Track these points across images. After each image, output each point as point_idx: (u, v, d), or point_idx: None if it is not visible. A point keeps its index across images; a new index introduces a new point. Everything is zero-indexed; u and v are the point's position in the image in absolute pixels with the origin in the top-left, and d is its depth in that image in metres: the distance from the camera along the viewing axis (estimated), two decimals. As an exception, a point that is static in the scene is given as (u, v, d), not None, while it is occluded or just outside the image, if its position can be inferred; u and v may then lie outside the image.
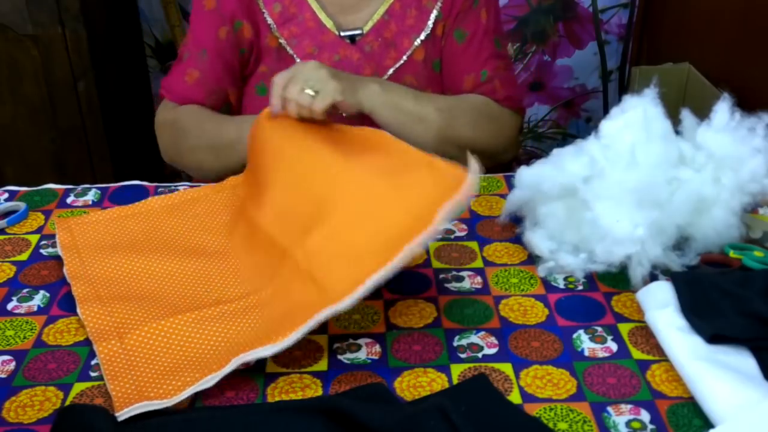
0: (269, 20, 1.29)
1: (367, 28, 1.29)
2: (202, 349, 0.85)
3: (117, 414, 0.77)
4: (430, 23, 1.30)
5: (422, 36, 1.30)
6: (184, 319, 0.88)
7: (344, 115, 1.17)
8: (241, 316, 0.90)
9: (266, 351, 0.82)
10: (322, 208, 0.93)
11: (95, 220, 1.08)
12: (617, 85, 2.49)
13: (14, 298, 0.97)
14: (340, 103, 1.10)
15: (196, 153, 1.28)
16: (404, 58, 1.30)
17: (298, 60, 1.29)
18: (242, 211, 1.09)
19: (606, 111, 2.52)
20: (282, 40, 1.29)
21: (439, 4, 1.30)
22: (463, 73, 1.32)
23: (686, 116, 1.04)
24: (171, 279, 0.98)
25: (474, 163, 0.86)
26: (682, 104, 1.87)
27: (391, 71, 1.30)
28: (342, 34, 1.29)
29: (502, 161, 1.30)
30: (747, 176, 0.97)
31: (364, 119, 1.19)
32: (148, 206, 1.12)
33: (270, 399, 0.81)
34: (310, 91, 1.07)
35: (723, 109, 1.02)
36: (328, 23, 1.29)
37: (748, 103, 1.04)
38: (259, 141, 1.10)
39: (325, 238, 0.91)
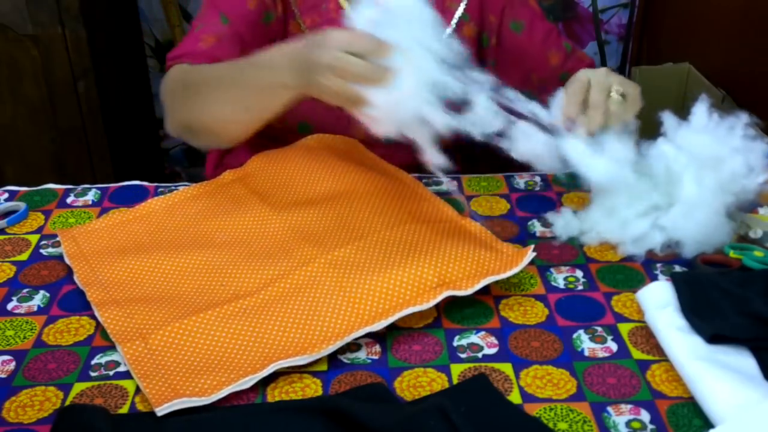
0: (293, 7, 1.27)
1: None
2: (230, 347, 0.86)
3: (156, 409, 0.77)
4: (453, 23, 1.29)
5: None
6: (206, 317, 0.89)
7: None
8: (262, 310, 0.90)
9: (301, 360, 0.84)
10: (366, 232, 0.98)
11: (98, 227, 1.08)
12: (617, 85, 2.49)
13: (14, 298, 0.97)
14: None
15: (219, 102, 1.09)
16: None
17: None
18: (253, 203, 1.10)
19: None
20: (305, 29, 1.27)
21: (463, 5, 1.30)
22: (545, 52, 1.31)
23: (667, 118, 1.05)
24: (182, 275, 0.98)
25: (531, 251, 0.95)
26: (682, 104, 1.87)
27: None
28: None
29: None
30: (727, 176, 0.98)
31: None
32: (149, 208, 1.12)
33: (270, 399, 0.81)
34: (618, 96, 1.01)
35: (701, 110, 1.02)
36: None
37: (748, 103, 1.04)
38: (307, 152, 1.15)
39: (365, 261, 0.94)
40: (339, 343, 0.85)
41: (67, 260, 1.02)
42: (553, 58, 1.31)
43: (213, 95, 1.09)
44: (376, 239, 0.96)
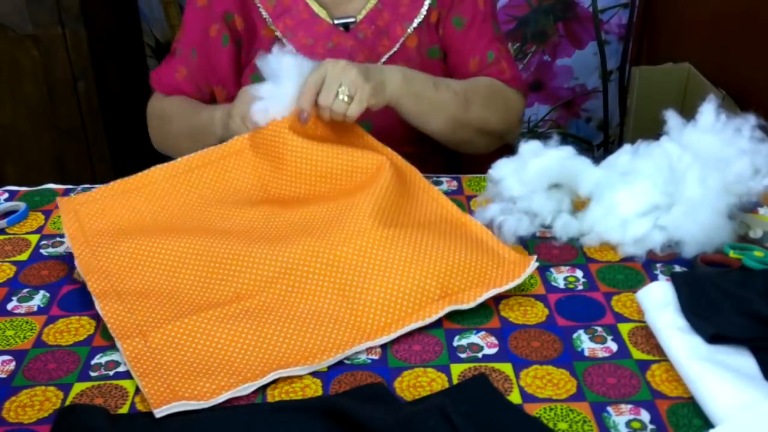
0: (264, 14, 1.31)
1: (360, 17, 1.31)
2: (230, 350, 0.86)
3: (155, 411, 0.77)
4: (424, 11, 1.31)
5: (414, 23, 1.31)
6: (207, 316, 0.89)
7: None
8: (264, 314, 0.90)
9: (302, 371, 0.84)
10: (370, 239, 0.96)
11: (100, 197, 1.07)
12: (617, 85, 2.49)
13: (14, 298, 0.97)
14: (373, 105, 1.12)
15: (178, 140, 1.32)
16: (397, 46, 1.31)
17: (294, 52, 1.30)
18: (255, 189, 1.10)
19: (606, 111, 2.52)
20: (278, 33, 1.31)
21: None
22: (468, 57, 1.34)
23: (671, 116, 1.04)
24: (183, 264, 0.97)
25: (534, 260, 0.94)
26: (682, 104, 1.87)
27: (384, 58, 1.31)
28: (336, 21, 1.31)
29: (509, 141, 1.32)
30: (733, 178, 0.97)
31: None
32: (152, 176, 1.11)
33: (270, 399, 0.81)
34: (344, 98, 1.08)
35: (708, 110, 1.02)
36: (322, 13, 1.30)
37: (748, 103, 1.04)
38: (288, 140, 1.11)
39: (367, 265, 0.93)
40: (340, 356, 0.85)
41: (66, 242, 1.01)
42: (473, 64, 1.34)
43: (174, 131, 1.33)
44: (378, 237, 0.95)
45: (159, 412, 0.77)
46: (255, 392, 0.82)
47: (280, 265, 0.95)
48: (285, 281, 0.93)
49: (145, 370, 0.83)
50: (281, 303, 0.92)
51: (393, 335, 0.87)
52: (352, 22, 1.31)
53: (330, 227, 0.99)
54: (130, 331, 0.88)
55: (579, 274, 0.99)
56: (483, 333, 0.89)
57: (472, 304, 0.90)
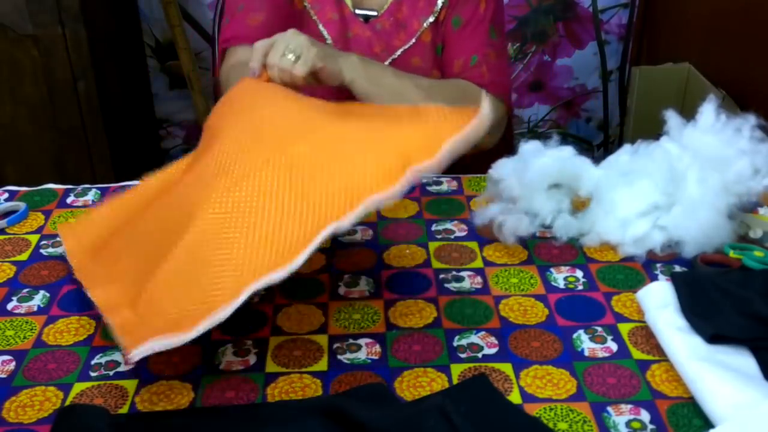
0: None
1: (381, 11, 1.33)
2: (206, 281, 0.80)
3: (129, 355, 0.75)
4: (438, 7, 1.33)
5: (431, 18, 1.33)
6: (177, 251, 0.84)
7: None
8: (228, 230, 0.83)
9: (277, 276, 0.78)
10: (317, 134, 0.90)
11: (99, 217, 1.05)
12: (617, 85, 2.49)
13: (14, 298, 0.97)
14: (321, 70, 1.12)
15: None
16: (413, 39, 1.33)
17: (320, 26, 1.32)
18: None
19: (606, 111, 2.52)
20: (306, 3, 1.33)
21: None
22: (454, 57, 1.34)
23: (671, 116, 1.05)
24: (152, 206, 0.96)
25: (486, 103, 0.85)
26: (682, 104, 1.87)
27: (399, 52, 1.33)
28: (357, 12, 1.32)
29: (483, 147, 1.30)
30: (733, 177, 0.98)
31: (342, 94, 1.20)
32: (147, 185, 1.09)
33: (270, 399, 0.81)
34: (291, 56, 1.09)
35: (708, 110, 1.02)
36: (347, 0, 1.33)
37: (748, 103, 1.04)
38: (238, 100, 1.06)
39: (322, 152, 0.87)
40: (310, 247, 0.79)
41: (69, 260, 1.01)
42: (456, 65, 1.34)
43: None
44: (332, 130, 0.90)
45: (133, 357, 0.74)
46: (255, 392, 0.82)
47: (235, 175, 0.88)
48: (242, 191, 0.86)
49: (134, 339, 0.78)
50: (241, 217, 0.84)
51: (358, 210, 0.80)
52: (374, 16, 1.33)
53: (281, 135, 0.92)
54: (118, 305, 0.85)
55: (579, 274, 0.99)
56: (483, 333, 0.90)
57: (434, 161, 0.82)
